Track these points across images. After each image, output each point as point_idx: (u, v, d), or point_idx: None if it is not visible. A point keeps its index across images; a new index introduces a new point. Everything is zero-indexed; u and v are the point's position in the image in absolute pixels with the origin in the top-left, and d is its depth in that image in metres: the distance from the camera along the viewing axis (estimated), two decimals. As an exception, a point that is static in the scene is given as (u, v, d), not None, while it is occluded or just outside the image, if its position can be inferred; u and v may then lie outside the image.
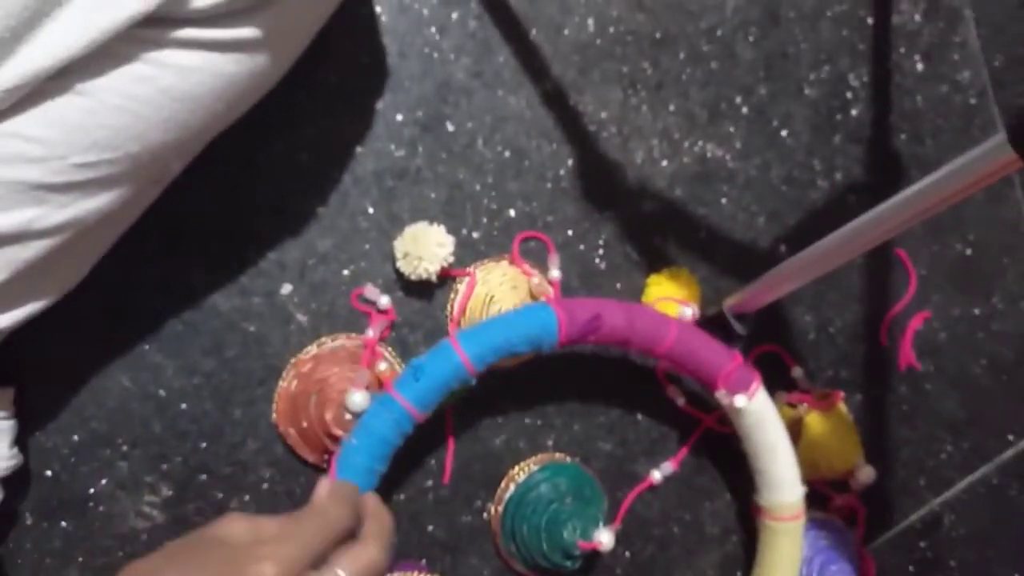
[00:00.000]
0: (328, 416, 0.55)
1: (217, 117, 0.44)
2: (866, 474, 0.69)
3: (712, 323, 0.65)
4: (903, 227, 0.45)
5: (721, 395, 0.61)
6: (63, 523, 0.55)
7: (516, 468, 0.64)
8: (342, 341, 0.59)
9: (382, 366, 0.58)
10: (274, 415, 0.58)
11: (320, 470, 0.59)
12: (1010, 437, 0.83)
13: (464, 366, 0.53)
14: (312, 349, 0.59)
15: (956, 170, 0.39)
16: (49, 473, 0.54)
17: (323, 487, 0.38)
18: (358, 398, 0.55)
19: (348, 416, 0.55)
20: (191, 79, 0.41)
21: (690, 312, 0.65)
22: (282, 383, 0.58)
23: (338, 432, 0.55)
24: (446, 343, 0.54)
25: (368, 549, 0.35)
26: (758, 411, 0.62)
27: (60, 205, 0.40)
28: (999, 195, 0.80)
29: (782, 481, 0.64)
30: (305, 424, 0.57)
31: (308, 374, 0.57)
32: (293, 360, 0.58)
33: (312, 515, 0.35)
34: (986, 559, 0.82)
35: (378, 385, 0.57)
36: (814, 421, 0.68)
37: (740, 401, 0.61)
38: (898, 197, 0.44)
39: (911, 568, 0.79)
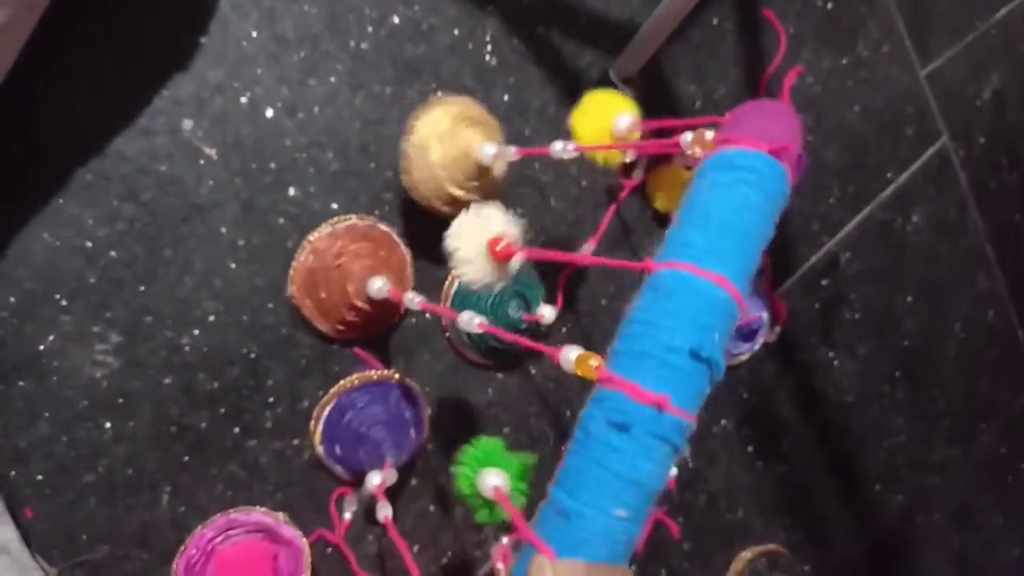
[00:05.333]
0: (350, 288, 0.60)
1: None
2: (764, 216, 0.76)
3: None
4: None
5: None
6: (21, 383, 0.56)
7: (454, 266, 0.68)
8: (353, 221, 0.63)
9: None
10: (291, 288, 0.62)
11: (327, 339, 0.63)
12: (888, 175, 0.91)
13: (735, 302, 0.38)
14: (325, 228, 0.62)
15: None
16: (-7, 338, 0.55)
17: None
18: (378, 283, 0.59)
19: (371, 293, 0.60)
20: None
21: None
22: (299, 258, 0.62)
23: (359, 304, 0.60)
24: (683, 275, 0.38)
25: None
26: None
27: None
28: (850, -53, 0.85)
29: None
30: (324, 295, 0.61)
31: (325, 250, 0.61)
32: (310, 237, 0.62)
33: None
34: (881, 288, 0.92)
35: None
36: (711, 178, 0.74)
37: None
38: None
39: (817, 306, 0.88)
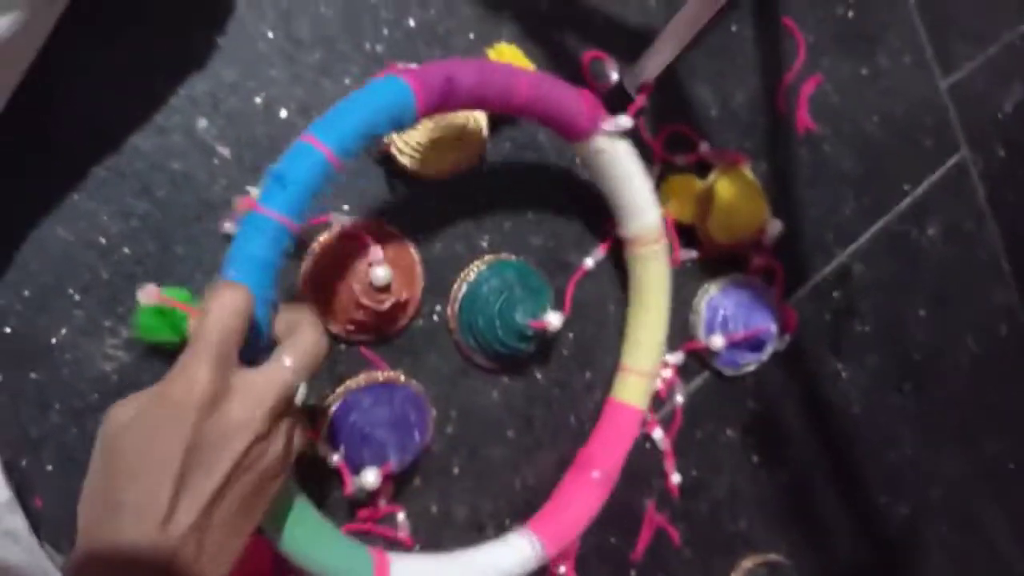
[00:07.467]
0: (356, 287, 0.61)
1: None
2: (774, 227, 0.75)
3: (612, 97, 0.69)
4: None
5: (595, 138, 0.63)
6: (32, 374, 0.57)
7: (466, 269, 0.68)
8: (363, 222, 0.64)
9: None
10: (301, 289, 0.63)
11: (335, 339, 0.64)
12: (905, 187, 0.90)
13: (328, 161, 0.50)
14: (335, 228, 0.63)
15: None
16: (8, 330, 0.56)
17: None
18: (381, 271, 0.60)
19: (375, 287, 0.61)
20: None
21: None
22: (308, 258, 0.62)
23: (365, 301, 0.61)
24: (301, 142, 0.51)
25: (305, 333, 0.47)
26: (610, 145, 0.65)
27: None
28: (874, -45, 0.84)
29: (644, 206, 0.68)
30: (332, 295, 0.62)
31: (333, 250, 0.62)
32: (319, 238, 0.62)
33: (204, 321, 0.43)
34: (894, 300, 0.91)
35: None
36: (723, 187, 0.73)
37: (622, 122, 0.63)
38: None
39: (827, 316, 0.87)
